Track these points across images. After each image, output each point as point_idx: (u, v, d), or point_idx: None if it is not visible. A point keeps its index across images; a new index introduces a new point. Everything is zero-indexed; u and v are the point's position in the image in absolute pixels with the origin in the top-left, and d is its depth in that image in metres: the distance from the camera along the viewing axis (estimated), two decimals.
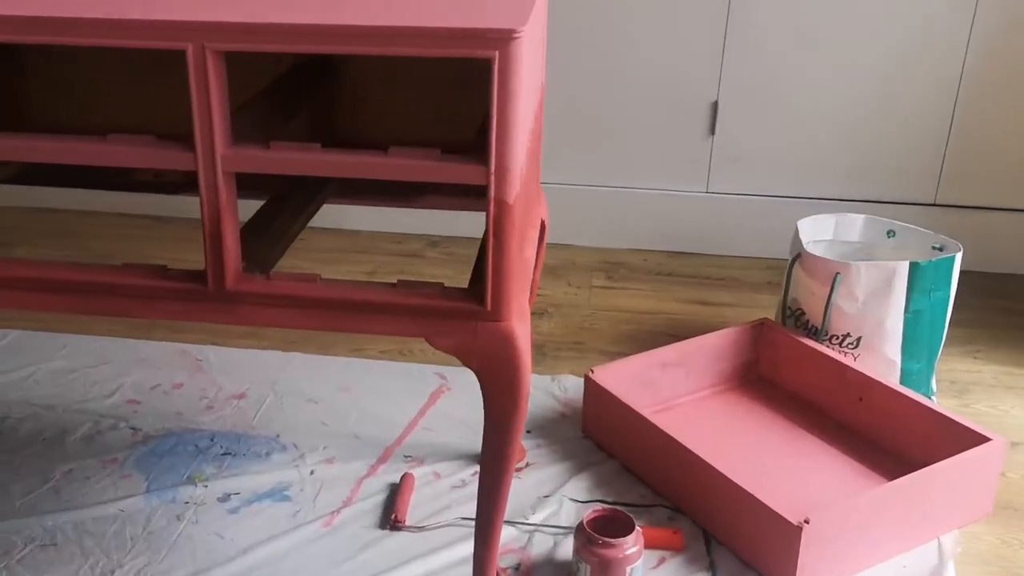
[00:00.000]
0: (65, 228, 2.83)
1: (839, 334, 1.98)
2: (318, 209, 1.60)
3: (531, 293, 1.69)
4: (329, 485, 1.77)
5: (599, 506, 1.64)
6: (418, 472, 1.80)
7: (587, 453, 1.87)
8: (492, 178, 1.13)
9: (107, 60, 1.67)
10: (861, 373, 1.90)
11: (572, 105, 2.66)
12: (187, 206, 2.66)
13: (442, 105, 1.66)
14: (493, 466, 1.29)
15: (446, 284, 1.22)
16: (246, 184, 1.25)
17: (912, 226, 2.09)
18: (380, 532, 1.66)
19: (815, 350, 1.97)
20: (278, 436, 1.91)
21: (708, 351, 2.01)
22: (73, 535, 1.64)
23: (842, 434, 1.90)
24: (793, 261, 2.03)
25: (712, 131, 2.66)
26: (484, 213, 1.17)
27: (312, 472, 1.81)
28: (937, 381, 2.07)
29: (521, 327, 1.22)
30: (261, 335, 2.25)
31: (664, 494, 1.75)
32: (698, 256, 2.74)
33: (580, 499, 1.74)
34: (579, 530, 1.53)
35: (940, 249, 2.00)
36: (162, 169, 1.26)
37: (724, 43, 2.57)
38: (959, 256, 1.95)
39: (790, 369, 2.02)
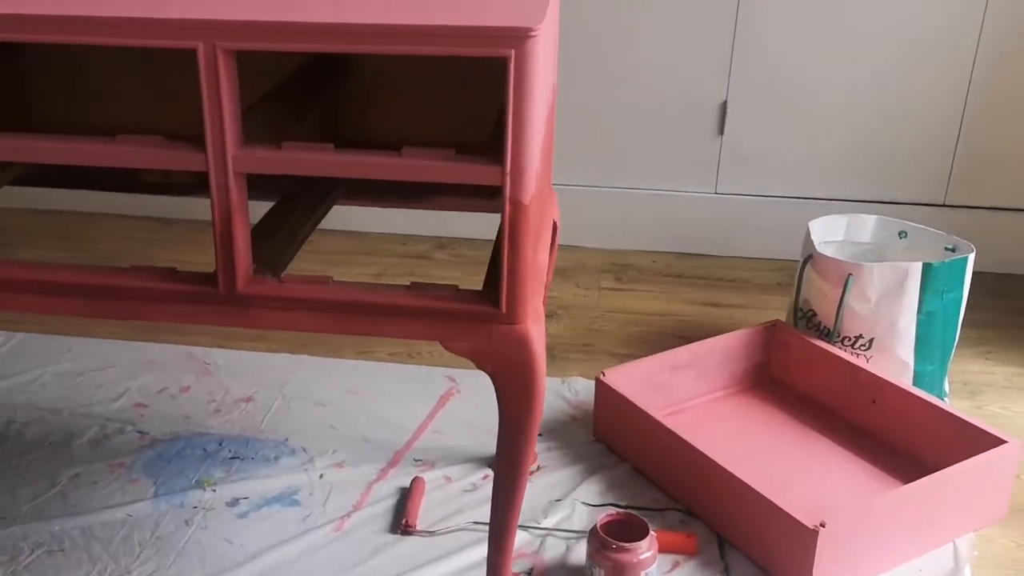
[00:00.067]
0: (66, 230, 2.81)
1: (851, 335, 1.97)
2: (328, 210, 1.58)
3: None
4: (339, 489, 1.76)
5: (612, 510, 1.62)
6: (429, 476, 1.78)
7: (598, 456, 1.86)
8: (508, 179, 1.12)
9: (109, 59, 1.66)
10: (874, 375, 1.88)
11: (580, 106, 2.64)
12: (190, 207, 2.66)
13: (450, 105, 1.64)
14: (508, 470, 1.28)
15: (455, 286, 1.21)
16: (253, 185, 1.23)
17: (924, 227, 2.07)
18: (391, 537, 1.65)
19: (827, 352, 1.95)
20: (287, 440, 1.89)
21: (719, 353, 2.00)
22: (81, 540, 1.63)
23: (854, 436, 1.88)
24: (805, 262, 2.02)
25: (721, 131, 2.64)
26: (493, 214, 1.16)
27: (321, 476, 1.79)
28: (949, 383, 2.06)
29: (536, 330, 1.21)
30: (268, 337, 2.23)
31: (677, 497, 1.74)
32: (707, 257, 2.72)
33: (592, 503, 1.73)
34: (593, 534, 1.52)
35: (952, 250, 1.99)
36: (170, 170, 1.24)
37: (733, 43, 2.56)
38: (972, 257, 1.93)
39: (802, 371, 2.00)
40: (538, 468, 1.81)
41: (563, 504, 1.72)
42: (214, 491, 1.75)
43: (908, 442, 1.82)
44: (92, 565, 1.58)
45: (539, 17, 1.08)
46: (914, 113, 2.58)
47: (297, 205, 1.52)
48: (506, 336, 1.19)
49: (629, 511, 1.59)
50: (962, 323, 1.99)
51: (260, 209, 1.43)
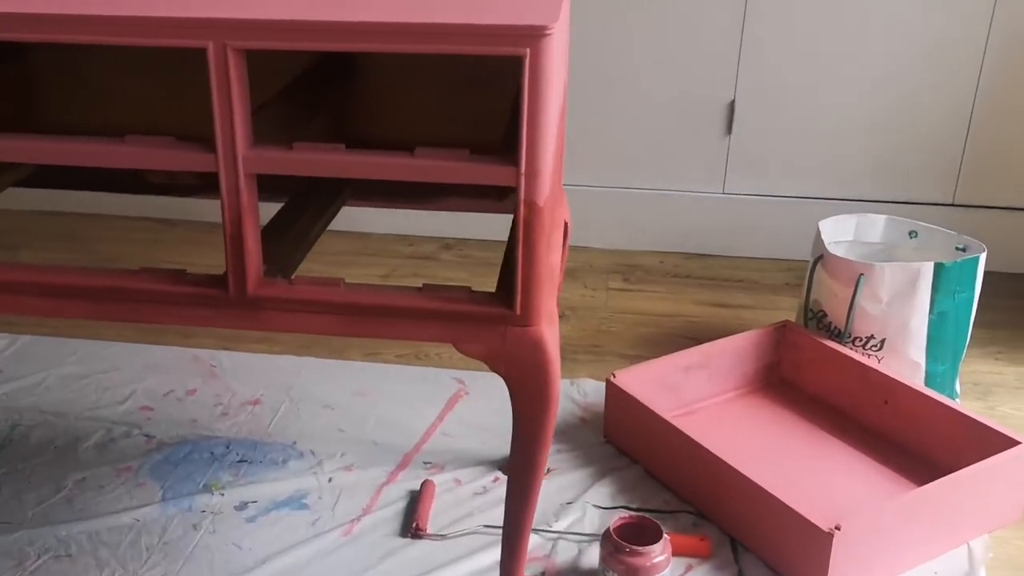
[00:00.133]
0: (70, 231, 2.80)
1: (863, 336, 1.95)
2: (338, 211, 1.57)
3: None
4: (348, 493, 1.74)
5: (625, 513, 1.61)
6: (438, 479, 1.77)
7: (609, 458, 1.84)
8: (522, 180, 1.11)
9: (113, 58, 1.64)
10: (885, 375, 1.87)
11: (588, 106, 2.63)
12: (193, 209, 2.65)
13: (460, 105, 1.63)
14: (522, 474, 1.26)
15: (468, 288, 1.19)
16: (260, 186, 1.22)
17: (934, 226, 2.06)
18: (401, 540, 1.63)
19: (838, 352, 1.94)
20: (295, 443, 1.88)
21: (730, 354, 1.98)
22: (88, 545, 1.61)
23: (866, 437, 1.87)
24: (815, 262, 2.01)
25: (729, 131, 2.63)
26: (501, 215, 1.14)
27: (330, 479, 1.78)
28: (960, 383, 2.04)
29: (550, 332, 1.19)
30: (274, 339, 2.22)
31: (689, 500, 1.72)
32: (715, 258, 2.71)
33: (604, 505, 1.71)
34: (606, 538, 1.50)
35: (963, 250, 1.97)
36: (177, 171, 1.23)
37: (741, 43, 2.54)
38: (983, 256, 1.92)
39: (812, 372, 1.99)
40: (548, 470, 1.80)
41: (574, 507, 1.71)
42: (222, 495, 1.73)
43: (920, 443, 1.80)
44: (99, 570, 1.56)
45: (554, 15, 1.07)
46: (923, 112, 2.56)
47: (306, 206, 1.50)
48: (520, 338, 1.18)
49: (642, 514, 1.57)
50: (972, 323, 1.97)
51: (265, 210, 1.42)
